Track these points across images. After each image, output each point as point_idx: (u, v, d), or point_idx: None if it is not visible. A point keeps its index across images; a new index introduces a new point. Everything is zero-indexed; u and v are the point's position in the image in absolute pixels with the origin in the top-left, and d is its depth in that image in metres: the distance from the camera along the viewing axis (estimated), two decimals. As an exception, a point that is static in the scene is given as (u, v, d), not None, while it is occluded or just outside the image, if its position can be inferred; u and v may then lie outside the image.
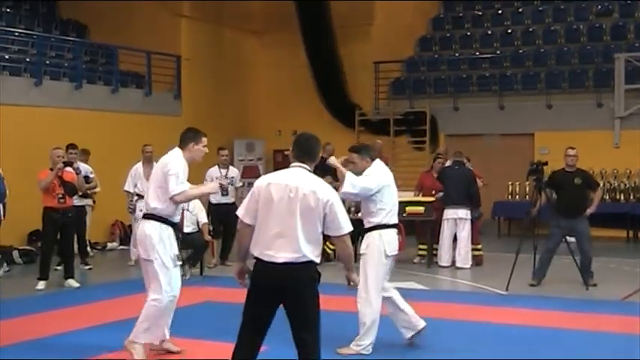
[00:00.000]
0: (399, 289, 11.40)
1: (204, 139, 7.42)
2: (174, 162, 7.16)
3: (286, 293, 5.31)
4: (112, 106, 17.59)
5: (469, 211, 13.36)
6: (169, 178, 7.04)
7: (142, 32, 19.27)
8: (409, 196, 14.47)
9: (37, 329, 8.61)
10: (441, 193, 13.68)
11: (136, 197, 13.96)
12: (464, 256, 13.40)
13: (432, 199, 13.71)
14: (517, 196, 18.88)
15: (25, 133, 15.15)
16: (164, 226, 7.12)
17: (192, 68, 19.97)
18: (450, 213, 13.42)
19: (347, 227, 5.42)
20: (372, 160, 7.69)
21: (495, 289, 11.38)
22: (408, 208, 13.67)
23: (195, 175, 13.93)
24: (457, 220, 13.39)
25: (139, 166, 13.99)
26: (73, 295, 11.01)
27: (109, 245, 16.76)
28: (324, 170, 15.86)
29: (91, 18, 20.06)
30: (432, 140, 20.10)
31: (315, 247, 5.36)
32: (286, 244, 5.28)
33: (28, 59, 16.88)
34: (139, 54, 18.78)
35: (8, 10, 18.58)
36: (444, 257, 13.57)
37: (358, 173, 7.61)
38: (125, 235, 16.70)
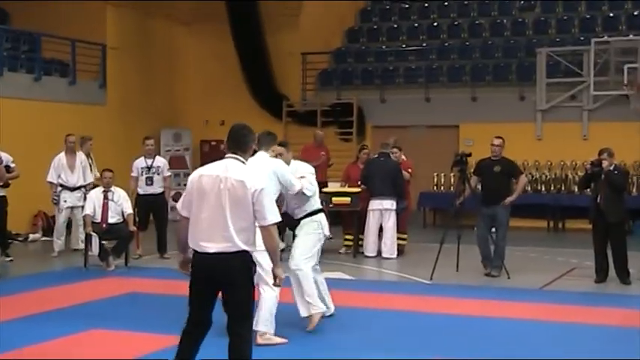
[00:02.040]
0: (325, 279, 11.52)
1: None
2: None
3: (220, 283, 5.41)
4: (35, 94, 17.22)
5: (394, 202, 13.49)
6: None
7: (66, 19, 18.86)
8: (336, 186, 14.57)
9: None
10: (364, 185, 13.74)
11: (59, 188, 13.76)
12: (389, 246, 13.53)
13: (358, 189, 13.81)
14: (442, 187, 19.13)
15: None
16: None
17: (119, 57, 19.67)
18: (375, 204, 13.53)
19: (272, 218, 5.46)
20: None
21: (420, 279, 11.53)
22: (335, 199, 13.76)
23: (123, 166, 13.88)
24: (383, 210, 13.51)
25: (61, 157, 13.79)
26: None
27: (31, 236, 16.43)
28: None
29: (14, 4, 19.54)
30: (359, 131, 20.23)
31: (247, 237, 5.42)
32: (217, 234, 5.36)
33: (-54, 46, 16.42)
34: (64, 42, 18.42)
35: None
36: (369, 247, 13.67)
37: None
38: (48, 226, 16.39)
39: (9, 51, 18.00)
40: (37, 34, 18.30)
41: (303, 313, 8.02)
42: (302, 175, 8.07)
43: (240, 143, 5.63)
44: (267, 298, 7.37)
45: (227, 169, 5.47)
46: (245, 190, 5.38)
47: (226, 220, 5.36)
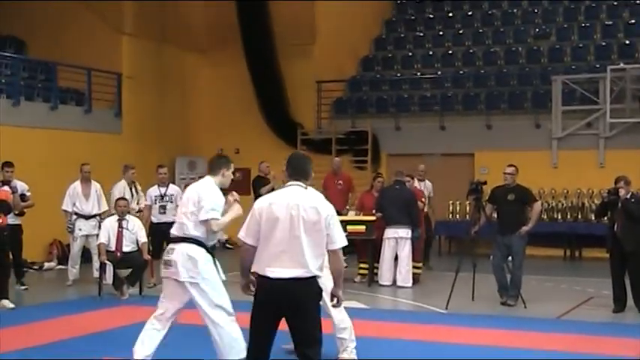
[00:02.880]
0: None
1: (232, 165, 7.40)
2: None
3: (290, 308, 5.49)
4: (50, 123, 17.33)
5: (410, 231, 13.44)
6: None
7: (82, 48, 19.03)
8: (350, 214, 14.53)
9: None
10: (379, 214, 13.70)
11: (74, 216, 13.78)
12: (404, 275, 13.45)
13: (373, 218, 13.76)
14: (457, 215, 19.05)
15: (-40, 150, 14.83)
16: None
17: (134, 85, 19.79)
18: (390, 232, 13.48)
19: (341, 241, 5.63)
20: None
21: (435, 308, 11.44)
22: (349, 227, 13.65)
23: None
24: (398, 239, 13.46)
25: (76, 185, 13.82)
26: (7, 316, 10.76)
27: (47, 265, 16.45)
28: (263, 185, 15.81)
29: (30, 33, 19.76)
30: (374, 159, 20.21)
31: (319, 263, 5.55)
32: (292, 260, 5.47)
33: (-36, 75, 16.56)
34: (79, 71, 18.55)
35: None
36: (384, 276, 13.61)
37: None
38: (63, 254, 16.40)
39: (26, 80, 18.16)
40: (53, 64, 18.46)
41: None
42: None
43: (303, 171, 5.79)
44: None
45: (296, 196, 5.62)
46: (319, 216, 5.53)
47: (301, 246, 5.48)
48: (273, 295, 5.50)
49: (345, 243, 5.65)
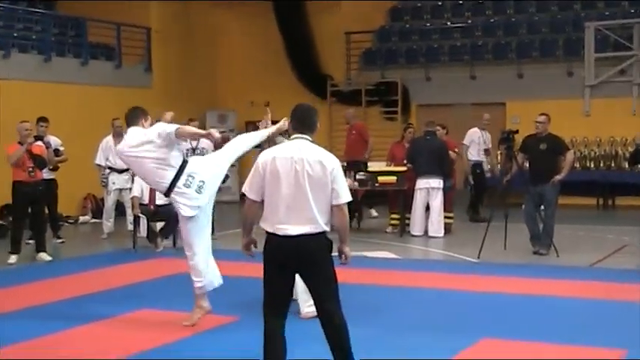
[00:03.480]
0: (372, 258, 11.56)
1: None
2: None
3: (303, 265, 5.36)
4: (81, 78, 17.42)
5: (441, 181, 13.43)
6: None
7: (111, 4, 19.01)
8: (381, 165, 14.54)
9: (7, 303, 8.57)
10: (410, 164, 13.70)
11: (107, 170, 13.91)
12: (436, 225, 13.47)
13: (403, 168, 13.76)
14: (489, 165, 18.92)
15: (-7, 107, 14.97)
16: None
17: (163, 40, 19.80)
18: (422, 183, 13.48)
19: (346, 196, 5.43)
20: None
21: (467, 257, 11.47)
22: (380, 178, 13.74)
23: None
24: (429, 189, 13.46)
25: (109, 139, 13.91)
26: (44, 269, 10.96)
27: (81, 219, 16.68)
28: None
29: (60, -11, 19.82)
30: (404, 110, 20.12)
31: (327, 217, 5.39)
32: (300, 216, 5.31)
33: (-5, 32, 16.66)
34: (109, 26, 18.59)
35: (-26, -19, 18.29)
36: (416, 226, 13.63)
37: None
38: (97, 208, 16.60)
39: (56, 36, 18.23)
40: (83, 19, 18.50)
41: None
42: None
43: (308, 123, 5.56)
44: None
45: (300, 150, 5.39)
46: (324, 170, 5.34)
47: (309, 201, 5.31)
48: (284, 252, 5.34)
49: (350, 198, 5.44)
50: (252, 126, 21.25)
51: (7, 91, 15.44)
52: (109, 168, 13.89)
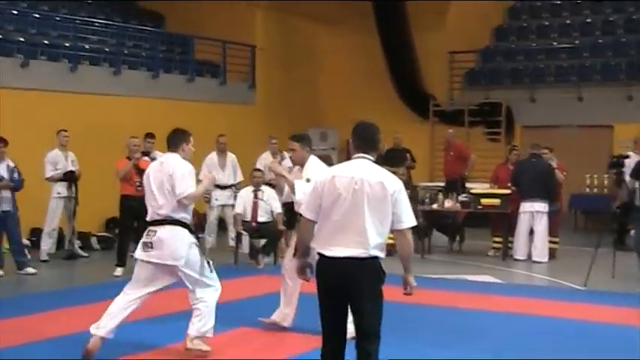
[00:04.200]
0: (473, 281, 11.38)
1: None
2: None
3: (349, 291, 5.11)
4: (187, 95, 17.78)
5: (546, 205, 13.14)
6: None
7: (217, 22, 19.43)
8: (484, 187, 14.35)
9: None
10: (514, 187, 13.46)
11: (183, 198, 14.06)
12: (540, 249, 13.18)
13: (507, 191, 13.52)
14: (595, 189, 18.46)
15: (103, 122, 15.39)
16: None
17: (267, 57, 20.06)
18: (526, 206, 13.21)
19: (409, 221, 5.18)
20: (310, 152, 7.69)
21: (573, 284, 11.16)
22: (483, 200, 13.54)
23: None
24: (534, 213, 13.18)
25: (213, 155, 14.12)
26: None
27: (184, 233, 16.92)
28: (392, 159, 15.85)
29: (168, 8, 20.31)
30: (508, 132, 19.82)
31: (381, 242, 5.13)
32: (350, 238, 5.07)
33: (107, 49, 17.17)
34: (215, 43, 18.93)
35: (89, 1, 18.92)
36: (519, 250, 13.37)
37: (297, 162, 7.69)
38: (199, 223, 16.81)
39: (164, 53, 18.69)
40: (190, 37, 18.90)
41: None
42: (307, 178, 7.33)
43: (371, 142, 5.32)
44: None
45: (361, 170, 5.16)
46: (385, 192, 5.08)
47: (364, 223, 5.05)
48: (330, 274, 5.09)
49: (414, 223, 5.17)
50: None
51: (117, 106, 15.88)
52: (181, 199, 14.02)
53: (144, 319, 7.78)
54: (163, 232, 6.82)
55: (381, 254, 5.15)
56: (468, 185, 15.39)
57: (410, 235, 5.23)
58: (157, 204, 6.88)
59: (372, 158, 5.28)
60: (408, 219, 5.18)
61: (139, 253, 6.98)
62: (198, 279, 7.00)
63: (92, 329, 6.78)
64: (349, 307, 5.19)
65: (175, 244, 6.83)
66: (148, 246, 6.85)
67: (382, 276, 5.17)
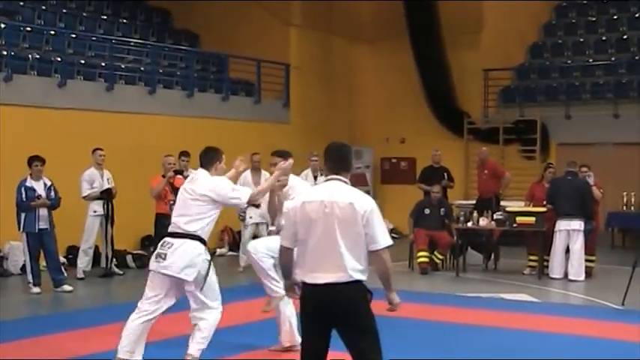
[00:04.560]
0: (508, 300, 11.28)
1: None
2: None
3: (336, 317, 5.00)
4: (222, 113, 17.88)
5: (583, 223, 13.01)
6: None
7: (252, 41, 19.54)
8: (519, 205, 14.25)
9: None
10: (550, 205, 13.36)
11: (245, 205, 14.12)
12: (577, 268, 13.04)
13: (543, 209, 13.41)
14: (632, 207, 18.25)
15: (138, 140, 15.54)
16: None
17: (301, 76, 20.13)
18: (562, 224, 13.09)
19: (384, 241, 5.02)
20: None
21: (610, 304, 11.02)
22: (519, 219, 13.43)
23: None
24: (570, 231, 13.06)
25: (247, 174, 14.14)
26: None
27: (218, 251, 17.00)
28: (434, 176, 15.83)
29: (203, 28, 20.48)
30: (543, 149, 19.67)
31: (360, 265, 5.00)
32: (329, 263, 4.96)
33: (142, 68, 17.34)
34: (249, 62, 19.03)
35: (124, 21, 19.15)
36: (555, 269, 13.23)
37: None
38: (234, 241, 16.91)
39: (199, 72, 18.85)
40: (225, 56, 19.04)
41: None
42: (292, 197, 7.22)
43: (343, 162, 5.20)
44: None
45: (332, 192, 5.04)
46: (354, 213, 4.95)
47: (339, 248, 4.94)
48: (314, 302, 5.00)
49: (390, 242, 5.00)
50: (387, 162, 21.38)
51: (152, 125, 16.04)
52: (247, 202, 14.08)
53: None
54: (178, 244, 6.88)
55: (363, 276, 5.02)
56: (502, 203, 15.30)
57: (387, 254, 5.07)
58: (179, 218, 6.94)
59: (344, 179, 5.15)
60: (383, 239, 5.02)
61: (151, 263, 7.01)
62: (204, 300, 7.04)
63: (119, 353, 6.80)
64: (342, 339, 5.07)
65: (188, 258, 6.87)
66: (161, 257, 6.88)
67: (368, 297, 5.04)
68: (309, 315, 5.06)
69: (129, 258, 14.79)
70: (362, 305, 5.00)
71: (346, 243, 4.96)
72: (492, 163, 16.12)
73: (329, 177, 5.17)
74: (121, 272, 13.81)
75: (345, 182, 5.13)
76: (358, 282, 4.99)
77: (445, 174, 15.84)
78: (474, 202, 16.26)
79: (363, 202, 5.01)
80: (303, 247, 5.09)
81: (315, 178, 14.00)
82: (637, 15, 21.49)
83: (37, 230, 11.62)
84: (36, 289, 11.68)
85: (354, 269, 4.96)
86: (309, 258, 5.04)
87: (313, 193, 5.20)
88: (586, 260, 13.20)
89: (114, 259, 13.75)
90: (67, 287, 11.89)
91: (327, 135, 19.84)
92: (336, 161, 5.20)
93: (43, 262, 12.13)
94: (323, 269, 4.97)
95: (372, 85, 22.19)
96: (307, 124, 19.89)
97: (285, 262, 5.30)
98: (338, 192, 5.04)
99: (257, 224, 14.11)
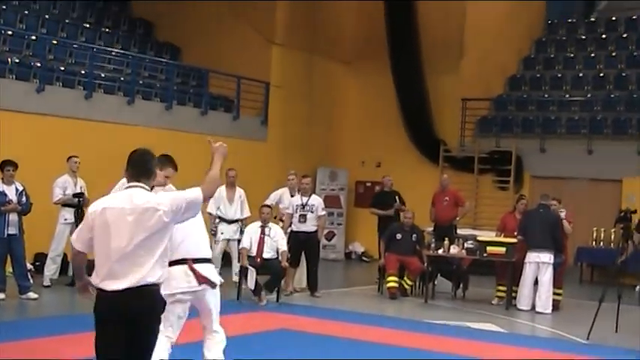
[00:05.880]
0: (475, 329, 11.32)
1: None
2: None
3: (128, 323, 4.94)
4: (200, 128, 17.82)
5: (552, 255, 13.10)
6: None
7: (233, 57, 19.56)
8: (491, 235, 14.34)
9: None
10: (521, 237, 13.45)
11: (217, 220, 14.11)
12: (544, 300, 13.11)
13: (514, 240, 13.50)
14: (602, 243, 18.41)
15: (114, 150, 15.28)
16: None
17: (281, 95, 20.16)
18: (532, 256, 13.17)
19: (191, 191, 5.21)
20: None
21: (576, 337, 11.09)
22: (489, 248, 13.49)
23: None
24: (540, 263, 13.14)
25: (222, 189, 14.11)
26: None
27: (188, 265, 16.90)
28: (386, 200, 15.90)
29: (185, 41, 20.47)
30: (517, 181, 19.83)
31: (159, 270, 5.03)
32: (128, 269, 4.95)
33: (122, 78, 17.31)
34: (230, 78, 19.05)
35: (107, 30, 19.11)
36: (523, 300, 13.29)
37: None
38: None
39: (179, 85, 18.84)
40: (206, 70, 19.05)
41: None
42: None
43: (145, 170, 5.23)
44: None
45: (132, 199, 5.06)
46: (154, 219, 5.00)
47: (136, 253, 4.95)
48: (108, 309, 4.94)
49: (199, 190, 5.18)
50: (361, 185, 21.43)
51: (129, 136, 15.92)
52: (219, 218, 14.09)
53: None
54: None
55: (159, 281, 5.05)
56: (460, 232, 15.43)
57: (205, 184, 5.31)
58: None
59: (144, 186, 5.18)
60: (193, 191, 5.20)
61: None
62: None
63: None
64: (127, 342, 4.98)
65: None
66: None
67: (161, 305, 5.09)
68: (103, 321, 4.99)
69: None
70: (154, 312, 5.04)
71: (144, 249, 4.98)
72: (454, 191, 16.20)
73: (130, 184, 5.20)
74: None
75: (146, 189, 5.18)
76: (153, 286, 5.02)
77: (397, 197, 15.93)
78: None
79: (163, 204, 5.06)
80: (99, 253, 5.07)
81: (292, 197, 13.98)
82: (614, 54, 21.81)
83: (5, 235, 11.49)
84: (0, 295, 11.56)
85: (150, 274, 4.98)
86: (106, 264, 5.00)
87: (115, 199, 5.19)
88: (554, 293, 13.28)
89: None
90: (32, 294, 11.77)
91: (303, 154, 19.98)
92: (137, 168, 5.24)
93: (9, 268, 12.01)
94: (121, 275, 4.95)
95: (352, 106, 22.27)
96: (285, 142, 19.91)
97: (78, 264, 5.38)
98: (138, 198, 5.06)
99: (228, 240, 14.07)
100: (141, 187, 5.16)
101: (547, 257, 13.09)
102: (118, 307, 4.94)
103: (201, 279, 6.50)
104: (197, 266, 6.53)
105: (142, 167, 5.24)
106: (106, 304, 4.99)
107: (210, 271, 6.67)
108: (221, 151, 5.77)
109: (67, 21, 18.20)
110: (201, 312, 6.75)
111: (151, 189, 5.29)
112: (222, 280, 7.00)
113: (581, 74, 21.70)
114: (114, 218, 5.02)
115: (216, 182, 5.47)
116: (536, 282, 13.25)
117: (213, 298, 6.71)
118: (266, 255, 12.46)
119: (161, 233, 5.04)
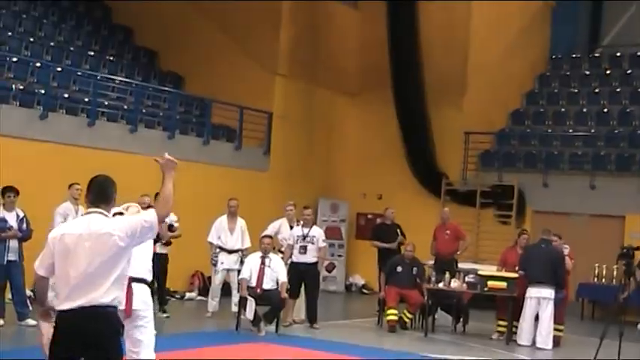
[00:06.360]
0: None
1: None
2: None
3: (85, 347, 5.00)
4: (202, 157, 17.85)
5: (553, 291, 13.03)
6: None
7: (236, 87, 19.60)
8: (492, 270, 14.27)
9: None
10: (522, 272, 13.39)
11: (218, 250, 14.08)
12: (545, 336, 13.02)
13: (515, 275, 13.43)
14: (603, 279, 18.32)
15: (116, 179, 15.31)
16: None
17: (283, 125, 20.19)
18: (533, 292, 13.10)
19: (147, 213, 5.28)
20: None
21: (576, 375, 11.01)
22: (490, 283, 13.43)
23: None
24: (540, 299, 13.07)
25: (223, 219, 14.13)
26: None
27: (188, 295, 16.86)
28: (387, 233, 15.84)
29: (189, 71, 20.56)
30: (519, 215, 19.77)
31: (116, 293, 5.11)
32: (83, 292, 5.03)
33: (125, 107, 17.34)
34: (232, 108, 19.08)
35: (111, 58, 19.19)
36: (524, 336, 13.21)
37: None
38: (204, 286, 16.78)
39: (181, 114, 18.88)
40: (209, 100, 19.10)
41: None
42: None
43: (104, 196, 5.36)
44: None
45: (89, 225, 5.17)
46: (110, 238, 5.09)
47: (93, 277, 5.03)
48: (65, 329, 5.02)
49: (152, 213, 5.21)
50: (363, 217, 21.38)
51: (131, 164, 15.93)
52: (220, 247, 14.06)
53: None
54: None
55: (113, 303, 5.11)
56: (461, 266, 15.37)
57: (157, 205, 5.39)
58: None
59: (104, 212, 5.29)
60: (145, 213, 5.28)
61: None
62: None
63: None
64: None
65: None
66: None
67: (116, 327, 5.14)
68: (60, 344, 5.04)
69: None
70: (112, 334, 5.09)
71: (100, 272, 5.05)
72: (454, 224, 16.16)
73: (89, 210, 5.31)
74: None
75: (104, 214, 5.27)
76: (110, 308, 5.09)
77: (398, 230, 15.90)
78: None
79: (118, 229, 5.13)
80: (60, 278, 5.16)
81: (291, 228, 13.92)
82: (618, 89, 21.85)
83: (5, 262, 11.47)
84: (-1, 321, 11.50)
85: (105, 296, 5.05)
86: (66, 288, 5.09)
87: (73, 225, 5.33)
88: (554, 329, 13.20)
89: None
90: (30, 321, 11.68)
91: (305, 185, 19.95)
92: (96, 194, 5.36)
93: (9, 295, 11.95)
94: (80, 297, 5.02)
95: (354, 138, 22.27)
96: (286, 173, 19.90)
97: (40, 289, 5.41)
98: (96, 224, 5.17)
99: (228, 270, 14.02)
100: (99, 212, 5.27)
101: (548, 292, 13.02)
102: (72, 325, 5.02)
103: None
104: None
105: (101, 193, 5.37)
106: (62, 324, 5.07)
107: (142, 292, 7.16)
108: (170, 165, 5.78)
109: (71, 49, 18.29)
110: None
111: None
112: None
113: (584, 109, 21.73)
114: (72, 244, 5.13)
115: (168, 201, 5.47)
116: (536, 317, 13.17)
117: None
118: (266, 286, 12.41)
119: (116, 257, 5.12)
